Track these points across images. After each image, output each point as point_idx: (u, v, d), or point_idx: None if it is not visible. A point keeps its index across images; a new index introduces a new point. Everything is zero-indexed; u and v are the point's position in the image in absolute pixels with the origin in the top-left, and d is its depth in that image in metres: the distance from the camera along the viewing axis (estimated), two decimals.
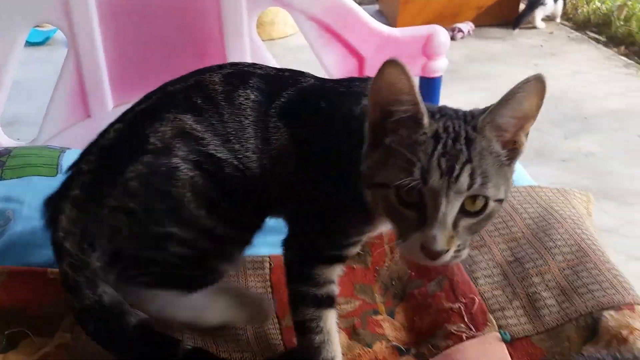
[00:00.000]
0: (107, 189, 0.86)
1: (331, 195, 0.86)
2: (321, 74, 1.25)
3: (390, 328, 1.02)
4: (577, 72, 3.41)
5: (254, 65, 0.98)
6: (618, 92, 3.16)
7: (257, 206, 0.92)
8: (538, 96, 0.72)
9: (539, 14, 4.03)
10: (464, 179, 0.70)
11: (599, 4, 4.14)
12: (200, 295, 0.89)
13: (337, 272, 0.92)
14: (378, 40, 1.60)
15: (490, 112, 0.73)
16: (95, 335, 0.87)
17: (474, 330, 0.95)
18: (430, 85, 1.60)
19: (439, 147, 0.72)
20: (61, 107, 1.58)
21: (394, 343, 0.99)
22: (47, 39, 3.62)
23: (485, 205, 0.73)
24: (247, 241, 0.95)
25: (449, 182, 0.70)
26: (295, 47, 3.47)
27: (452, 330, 0.96)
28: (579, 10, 4.23)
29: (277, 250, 0.95)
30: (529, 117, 0.74)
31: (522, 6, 4.15)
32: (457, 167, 0.70)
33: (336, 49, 1.61)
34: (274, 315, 1.01)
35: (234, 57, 1.58)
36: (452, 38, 3.72)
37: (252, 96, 0.90)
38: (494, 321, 0.96)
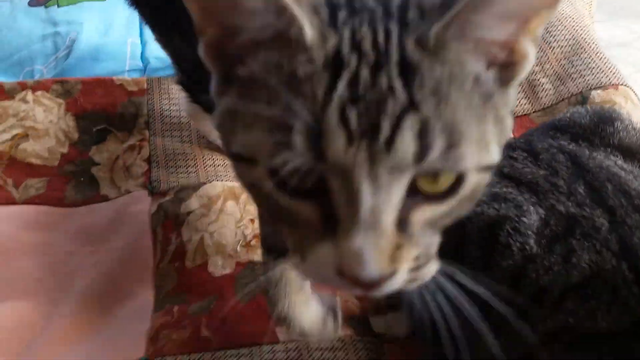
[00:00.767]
0: None
1: None
2: None
3: None
4: None
5: None
6: None
7: None
8: None
9: None
10: (406, 143, 0.37)
11: None
12: None
13: None
14: None
15: (458, 14, 0.38)
16: None
17: None
18: None
19: (342, 84, 0.38)
20: None
21: None
22: None
23: (460, 180, 0.40)
24: None
25: (371, 151, 0.37)
26: None
27: None
28: None
29: None
30: (539, 6, 0.40)
31: None
32: (386, 121, 0.37)
33: None
34: None
35: None
36: None
37: None
38: None
